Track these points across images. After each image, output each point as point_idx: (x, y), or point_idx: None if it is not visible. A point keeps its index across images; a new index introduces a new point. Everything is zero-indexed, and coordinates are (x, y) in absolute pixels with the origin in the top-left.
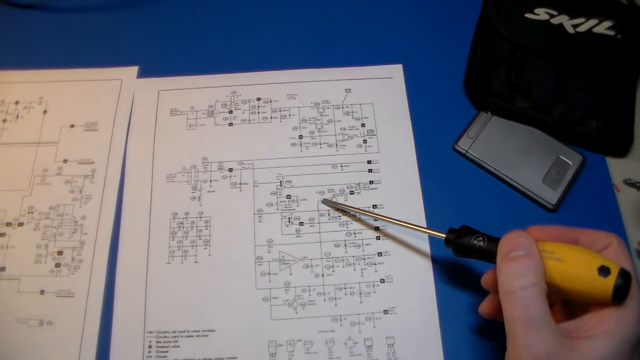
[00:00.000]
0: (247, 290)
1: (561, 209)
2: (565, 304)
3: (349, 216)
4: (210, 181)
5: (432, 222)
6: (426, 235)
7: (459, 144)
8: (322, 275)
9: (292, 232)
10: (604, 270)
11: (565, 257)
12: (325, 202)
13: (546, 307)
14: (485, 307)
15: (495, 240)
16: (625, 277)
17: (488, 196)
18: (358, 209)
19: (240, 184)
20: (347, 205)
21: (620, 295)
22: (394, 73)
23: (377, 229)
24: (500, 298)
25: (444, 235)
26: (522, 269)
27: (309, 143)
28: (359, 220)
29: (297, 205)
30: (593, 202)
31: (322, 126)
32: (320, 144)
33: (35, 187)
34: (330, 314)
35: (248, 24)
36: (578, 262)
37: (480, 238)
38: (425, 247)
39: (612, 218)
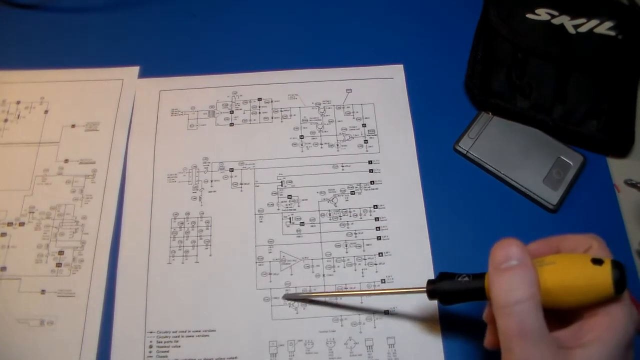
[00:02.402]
0: (248, 290)
1: (562, 209)
2: (556, 312)
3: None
4: (211, 181)
5: (433, 222)
6: (427, 235)
7: (459, 144)
8: (323, 275)
9: (293, 232)
10: (597, 261)
11: (556, 259)
12: (286, 297)
13: (542, 320)
14: (491, 341)
15: (479, 276)
16: (619, 266)
17: (489, 196)
18: (323, 292)
19: (241, 184)
20: (310, 293)
21: (621, 285)
22: (395, 73)
23: (377, 228)
24: (495, 312)
25: (424, 289)
26: (516, 281)
27: (309, 143)
28: (360, 220)
29: (298, 206)
30: (594, 203)
31: (323, 126)
32: (321, 144)
33: (36, 187)
34: (331, 314)
35: (248, 23)
36: (570, 260)
37: (464, 276)
38: (426, 247)
39: (612, 218)
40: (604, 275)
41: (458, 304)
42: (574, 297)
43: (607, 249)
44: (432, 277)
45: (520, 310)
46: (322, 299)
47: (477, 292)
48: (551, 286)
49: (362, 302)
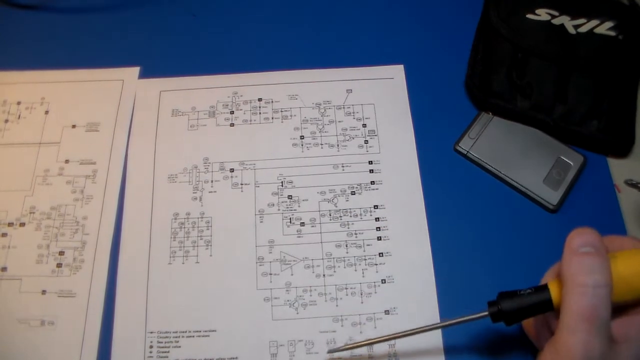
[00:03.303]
0: (248, 290)
1: (562, 209)
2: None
3: (350, 217)
4: (212, 181)
5: (433, 222)
6: (427, 235)
7: (460, 144)
8: (323, 275)
9: (294, 232)
10: None
11: (616, 254)
12: (331, 351)
13: (610, 311)
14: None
15: (541, 288)
16: None
17: (489, 197)
18: (369, 341)
19: (242, 184)
20: (356, 344)
21: None
22: (395, 73)
23: (378, 229)
24: (569, 290)
25: (487, 313)
26: (596, 265)
27: (310, 143)
28: (361, 220)
29: (299, 206)
30: (594, 203)
31: (323, 126)
32: (321, 144)
33: (36, 187)
34: (332, 314)
35: (248, 23)
36: (632, 252)
37: (527, 290)
38: (427, 247)
39: (613, 219)
40: None
41: (522, 320)
42: (631, 289)
43: None
44: (432, 275)
45: (597, 293)
46: (368, 347)
47: (543, 304)
48: (623, 273)
49: (362, 303)
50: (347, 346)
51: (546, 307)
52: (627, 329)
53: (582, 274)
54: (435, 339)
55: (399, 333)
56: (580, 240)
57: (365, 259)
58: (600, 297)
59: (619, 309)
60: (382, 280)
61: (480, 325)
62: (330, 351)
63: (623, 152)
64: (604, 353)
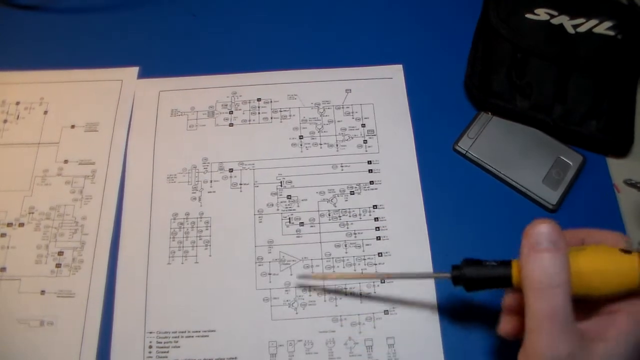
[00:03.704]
0: (248, 290)
1: (561, 209)
2: (580, 304)
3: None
4: (211, 181)
5: (432, 222)
6: (426, 235)
7: (459, 144)
8: None
9: (293, 232)
10: (625, 252)
11: (585, 247)
12: (300, 277)
13: (571, 307)
14: (506, 329)
15: (505, 263)
16: None
17: (488, 196)
18: (350, 274)
19: (241, 184)
20: (338, 274)
21: None
22: (395, 73)
23: (377, 229)
24: (527, 292)
25: (449, 275)
26: (551, 264)
27: (309, 143)
28: (360, 220)
29: (298, 206)
30: (593, 203)
31: (322, 126)
32: (320, 144)
33: (35, 187)
34: (331, 314)
35: (248, 23)
36: (600, 248)
37: (491, 262)
38: (426, 246)
39: (612, 218)
40: (631, 264)
41: (482, 290)
42: (602, 282)
43: (636, 246)
44: None
45: (555, 293)
46: (337, 281)
47: (503, 279)
48: (583, 269)
49: (361, 302)
50: (317, 275)
51: (506, 283)
52: (606, 328)
53: (536, 274)
54: (432, 325)
55: (369, 274)
56: (538, 235)
57: (364, 259)
58: (559, 296)
59: (596, 305)
60: (381, 280)
61: (477, 301)
62: (299, 277)
63: (622, 152)
64: (572, 352)
